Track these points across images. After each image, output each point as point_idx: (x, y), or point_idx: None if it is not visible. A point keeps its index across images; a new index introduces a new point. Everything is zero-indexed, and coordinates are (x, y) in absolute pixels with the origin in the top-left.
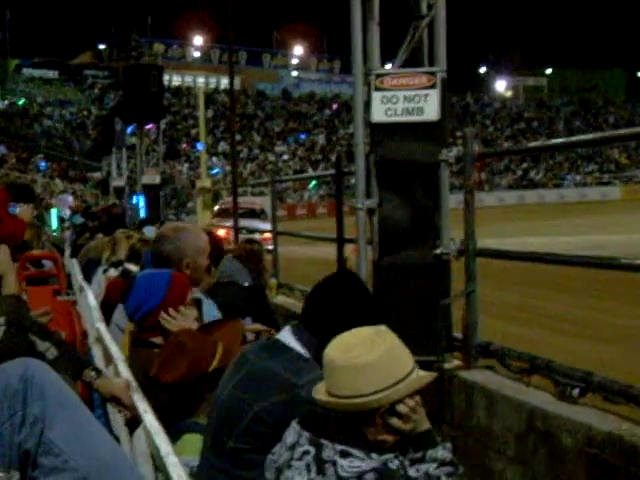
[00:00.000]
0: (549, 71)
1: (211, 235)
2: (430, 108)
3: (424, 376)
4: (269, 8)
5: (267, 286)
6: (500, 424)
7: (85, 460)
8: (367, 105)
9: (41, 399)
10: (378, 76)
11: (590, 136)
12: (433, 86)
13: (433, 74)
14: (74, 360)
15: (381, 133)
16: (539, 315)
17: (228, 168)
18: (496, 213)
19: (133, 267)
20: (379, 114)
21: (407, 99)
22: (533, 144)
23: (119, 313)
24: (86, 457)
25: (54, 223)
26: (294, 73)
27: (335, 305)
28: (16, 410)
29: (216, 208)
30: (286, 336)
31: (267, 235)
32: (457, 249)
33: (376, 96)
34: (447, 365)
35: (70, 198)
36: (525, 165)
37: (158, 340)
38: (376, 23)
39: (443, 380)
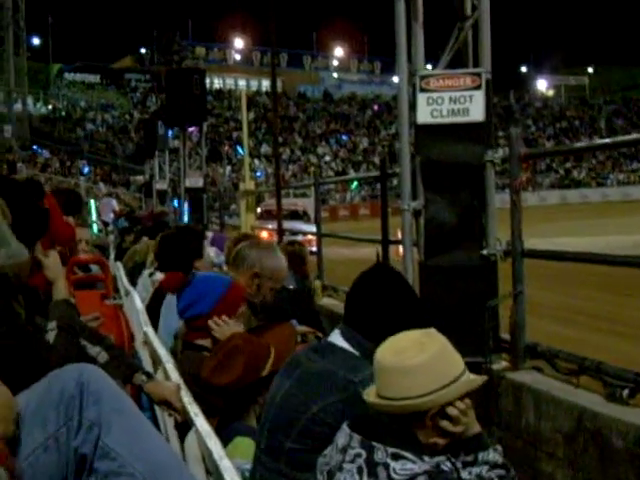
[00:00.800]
0: (591, 70)
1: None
2: (475, 109)
3: (474, 379)
4: (309, 9)
5: (312, 288)
6: (549, 425)
7: (141, 464)
8: (412, 106)
9: (97, 404)
10: (423, 77)
11: (638, 135)
12: (478, 87)
13: (478, 75)
14: (125, 364)
15: (426, 134)
16: (585, 315)
17: (270, 170)
18: (538, 213)
19: None
20: (425, 115)
21: (452, 100)
22: (579, 144)
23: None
24: (142, 461)
25: (94, 227)
26: (335, 74)
27: (376, 300)
28: (72, 415)
29: (259, 210)
30: (336, 337)
31: (310, 237)
32: (504, 250)
33: (421, 97)
34: (495, 366)
35: (114, 202)
36: (568, 164)
37: (207, 343)
38: (420, 24)
39: (491, 381)
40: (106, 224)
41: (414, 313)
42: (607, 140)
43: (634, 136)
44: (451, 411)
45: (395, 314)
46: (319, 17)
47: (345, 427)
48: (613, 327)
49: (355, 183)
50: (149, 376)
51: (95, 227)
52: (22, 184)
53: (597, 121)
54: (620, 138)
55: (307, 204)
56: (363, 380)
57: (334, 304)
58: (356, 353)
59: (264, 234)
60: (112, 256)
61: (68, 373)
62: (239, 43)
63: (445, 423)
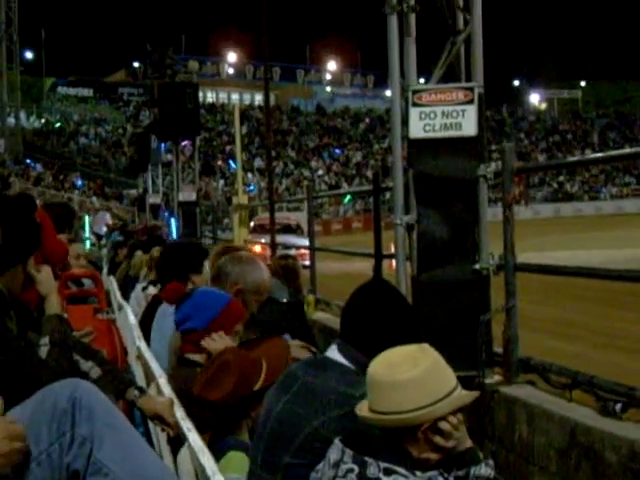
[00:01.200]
0: (583, 83)
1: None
2: (468, 123)
3: (466, 394)
4: (302, 23)
5: (305, 302)
6: (542, 439)
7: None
8: (404, 121)
9: (89, 420)
10: (415, 92)
11: (631, 150)
12: (471, 101)
13: (470, 89)
14: (118, 379)
15: (419, 149)
16: (579, 329)
17: (263, 184)
18: (532, 226)
19: None
20: (417, 130)
21: (445, 115)
22: (572, 158)
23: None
24: (135, 477)
25: (87, 242)
26: (328, 88)
27: (373, 315)
28: (65, 431)
29: (252, 224)
30: (333, 352)
31: (303, 251)
32: (496, 264)
33: (414, 112)
34: (488, 380)
35: (108, 215)
36: (561, 178)
37: (201, 359)
38: (413, 39)
39: (484, 395)
40: (99, 237)
41: (411, 328)
42: (600, 154)
43: (627, 150)
44: (443, 426)
45: (392, 329)
46: (312, 31)
47: (337, 442)
48: (606, 340)
49: (348, 197)
50: (142, 391)
51: (88, 243)
52: (14, 199)
53: (590, 135)
54: (613, 152)
55: (300, 218)
56: (363, 395)
57: (327, 318)
58: (352, 368)
59: (257, 248)
60: (105, 270)
61: (61, 388)
62: (232, 57)
63: (437, 438)
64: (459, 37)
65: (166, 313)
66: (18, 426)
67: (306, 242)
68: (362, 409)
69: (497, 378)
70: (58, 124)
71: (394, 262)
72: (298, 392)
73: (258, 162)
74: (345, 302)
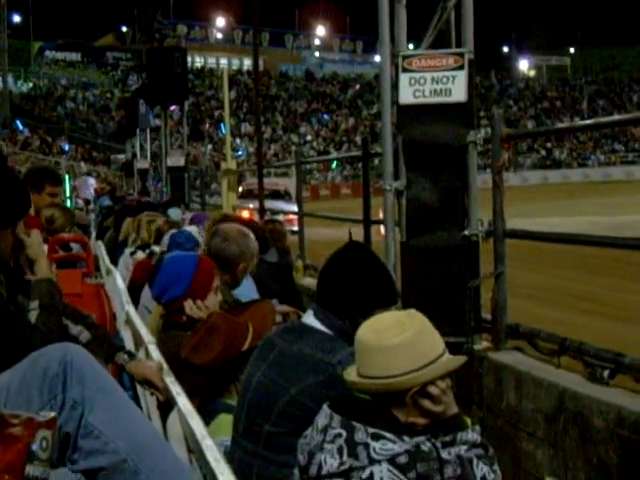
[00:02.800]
0: (572, 50)
1: (256, 227)
2: (458, 89)
3: (455, 359)
4: None
5: (293, 268)
6: (530, 405)
7: (124, 443)
8: (394, 86)
9: (80, 383)
10: (405, 58)
11: (620, 117)
12: (461, 67)
13: (460, 55)
14: (107, 343)
15: (409, 115)
16: (566, 296)
17: (251, 149)
18: (520, 193)
19: (159, 249)
20: (407, 96)
21: (435, 80)
22: (561, 125)
23: (147, 295)
24: (125, 440)
25: (68, 202)
26: (317, 54)
27: (347, 279)
28: (56, 394)
29: (240, 189)
30: (309, 318)
31: (291, 216)
32: (486, 230)
33: (404, 78)
34: (476, 346)
35: (92, 180)
36: (549, 145)
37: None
38: (403, 4)
39: (472, 361)
40: (87, 202)
41: (385, 290)
42: (589, 121)
43: (616, 117)
44: (432, 390)
45: (366, 291)
46: None
47: (325, 407)
48: (594, 307)
49: (335, 162)
50: (131, 355)
51: (69, 202)
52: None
53: (579, 102)
54: (603, 119)
55: (289, 184)
56: (341, 361)
57: (315, 284)
58: (330, 333)
59: (245, 213)
60: (93, 235)
61: (52, 352)
62: (221, 21)
63: (426, 402)
64: (450, 2)
65: None
66: None
67: (294, 208)
68: (350, 374)
69: (485, 344)
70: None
71: (382, 228)
72: (274, 360)
73: (246, 127)
74: (320, 266)
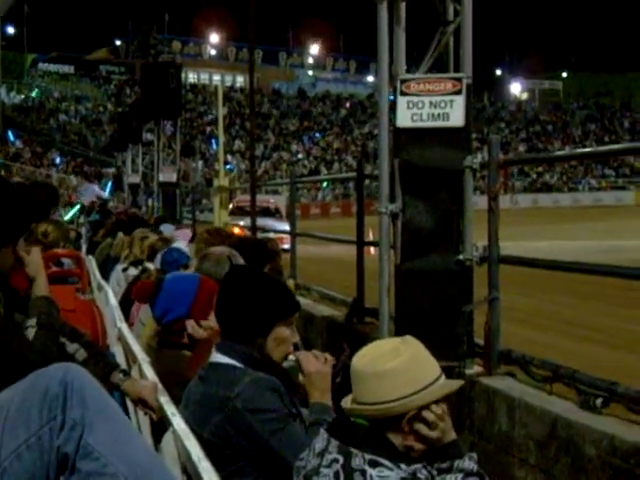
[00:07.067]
0: (565, 74)
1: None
2: (456, 114)
3: (451, 383)
4: (285, 6)
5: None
6: (522, 432)
7: (124, 465)
8: (392, 109)
9: (81, 404)
10: (404, 81)
11: (619, 146)
12: (459, 92)
13: (459, 80)
14: (103, 362)
15: (406, 138)
16: (559, 321)
17: (242, 166)
18: (510, 216)
19: (152, 266)
20: (405, 119)
21: (433, 105)
22: (558, 153)
23: (145, 313)
24: (124, 462)
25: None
26: (310, 72)
27: (237, 303)
28: (56, 414)
29: (230, 206)
30: (216, 355)
31: (282, 235)
32: (480, 256)
33: (402, 101)
34: (468, 371)
35: (96, 187)
36: (540, 169)
37: (186, 340)
38: (402, 28)
39: (464, 386)
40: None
41: (278, 303)
42: (588, 149)
43: (615, 146)
44: (427, 415)
45: (259, 309)
46: (295, 14)
47: (322, 432)
48: (588, 334)
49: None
50: (126, 374)
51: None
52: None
53: (570, 126)
54: (601, 148)
55: (279, 201)
56: (239, 393)
57: (307, 303)
58: (237, 363)
59: (236, 231)
60: (84, 249)
61: (52, 372)
62: (214, 38)
63: (422, 427)
64: (449, 28)
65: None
66: None
67: (285, 225)
68: (347, 401)
69: (477, 369)
70: (35, 94)
71: (372, 249)
72: (189, 407)
73: (238, 144)
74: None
